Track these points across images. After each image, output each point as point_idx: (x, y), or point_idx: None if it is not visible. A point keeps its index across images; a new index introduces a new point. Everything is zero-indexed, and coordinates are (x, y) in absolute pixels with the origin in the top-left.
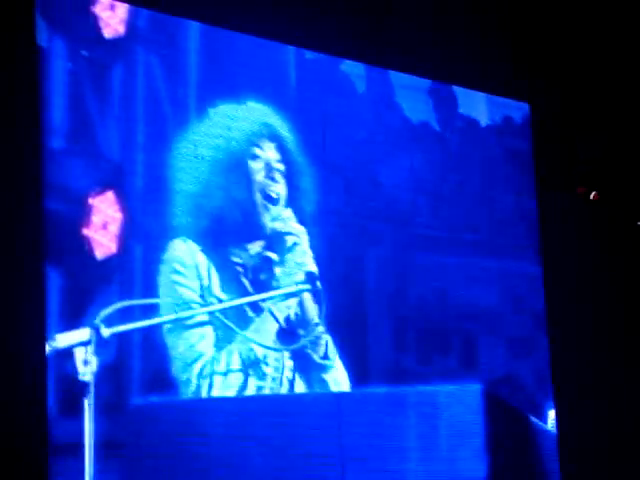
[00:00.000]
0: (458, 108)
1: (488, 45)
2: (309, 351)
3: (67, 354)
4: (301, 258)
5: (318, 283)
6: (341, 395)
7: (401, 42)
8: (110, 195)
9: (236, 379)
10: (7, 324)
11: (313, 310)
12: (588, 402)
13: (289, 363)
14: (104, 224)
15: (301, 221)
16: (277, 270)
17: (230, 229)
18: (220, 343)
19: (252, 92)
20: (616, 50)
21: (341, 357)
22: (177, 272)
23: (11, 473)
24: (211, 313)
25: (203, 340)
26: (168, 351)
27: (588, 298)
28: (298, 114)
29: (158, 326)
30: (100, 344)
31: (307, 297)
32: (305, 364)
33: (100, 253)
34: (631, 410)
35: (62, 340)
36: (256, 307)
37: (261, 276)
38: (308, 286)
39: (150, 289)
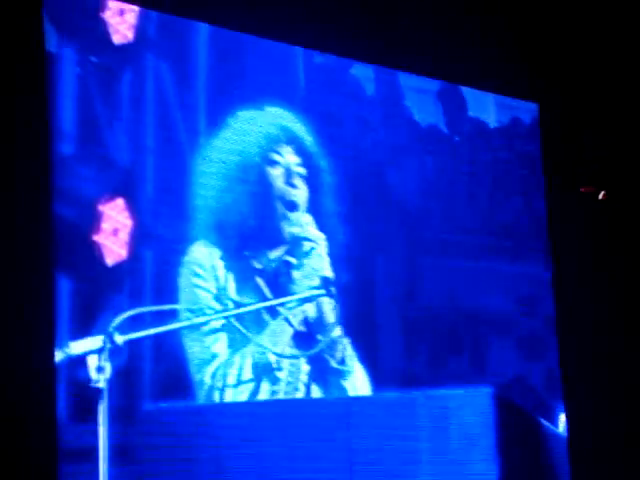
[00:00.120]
0: (467, 111)
1: (496, 44)
2: (326, 356)
3: (81, 361)
4: (317, 263)
5: (333, 288)
6: (351, 400)
7: (409, 42)
8: (120, 202)
9: (249, 383)
10: (17, 330)
11: (330, 315)
12: (599, 405)
13: (305, 368)
14: (114, 230)
15: (321, 225)
16: (295, 275)
17: (249, 234)
18: (234, 346)
19: (265, 96)
20: (625, 48)
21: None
22: (196, 275)
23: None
24: (226, 317)
25: (218, 342)
26: (181, 354)
27: (599, 300)
28: (307, 117)
29: (171, 330)
30: (114, 351)
31: (324, 301)
32: (322, 369)
33: (110, 259)
34: None
35: (76, 347)
36: (272, 311)
37: (279, 281)
38: (322, 291)
39: (161, 295)
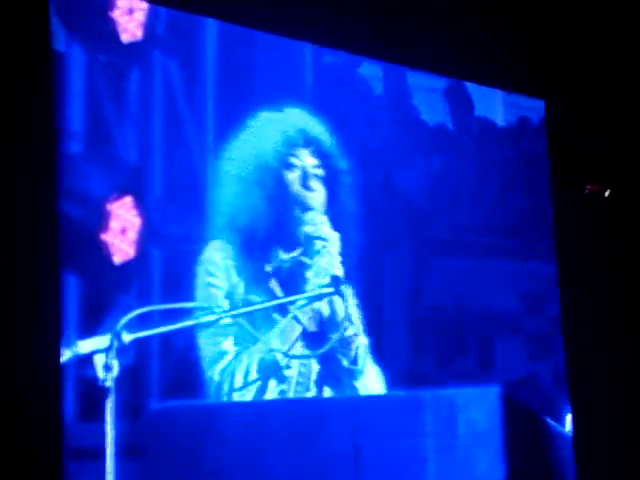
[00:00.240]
0: (475, 110)
1: (504, 42)
2: (338, 356)
3: (88, 360)
4: (328, 262)
5: (342, 287)
6: (357, 399)
7: (416, 39)
8: (128, 200)
9: (258, 382)
10: (24, 329)
11: (341, 313)
12: (604, 404)
13: (316, 368)
14: (122, 229)
15: (337, 225)
16: (308, 275)
17: (264, 236)
18: (243, 345)
19: (273, 94)
20: (632, 46)
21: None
22: (209, 273)
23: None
24: (235, 316)
25: (226, 341)
26: (190, 352)
27: (605, 298)
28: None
29: (180, 329)
30: (121, 350)
31: (336, 300)
32: (333, 369)
33: (118, 258)
34: None
35: (83, 346)
36: (282, 310)
37: (292, 281)
38: (331, 289)
39: (169, 294)
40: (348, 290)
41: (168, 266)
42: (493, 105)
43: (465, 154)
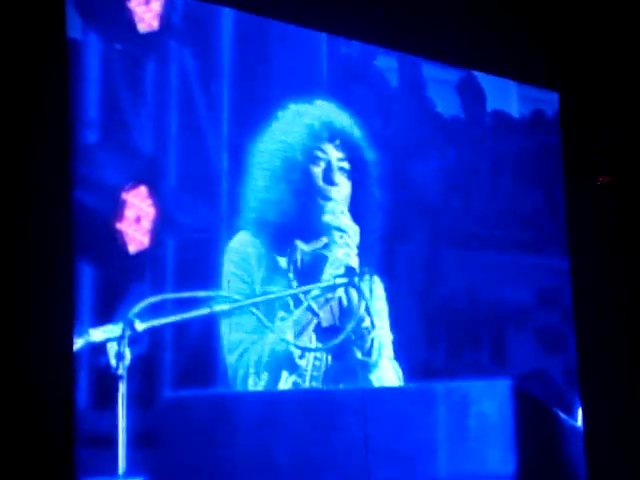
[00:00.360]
0: (489, 102)
1: (519, 33)
2: (354, 347)
3: (100, 348)
4: (345, 253)
5: (356, 279)
6: (368, 390)
7: (431, 30)
8: (143, 189)
9: (272, 373)
10: (38, 317)
11: (356, 305)
12: (616, 398)
13: (330, 360)
14: (137, 218)
15: (360, 217)
16: (326, 267)
17: (288, 228)
18: (257, 335)
19: (290, 85)
20: None
21: None
22: (233, 263)
23: (40, 465)
24: (248, 305)
25: (241, 331)
26: (204, 342)
27: (618, 292)
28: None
29: (194, 318)
30: (134, 338)
31: (352, 291)
32: (347, 361)
33: (133, 247)
34: None
35: (95, 335)
36: (296, 300)
37: (310, 272)
38: (345, 280)
39: (183, 283)
40: (366, 282)
41: (182, 255)
42: (508, 98)
43: (479, 146)
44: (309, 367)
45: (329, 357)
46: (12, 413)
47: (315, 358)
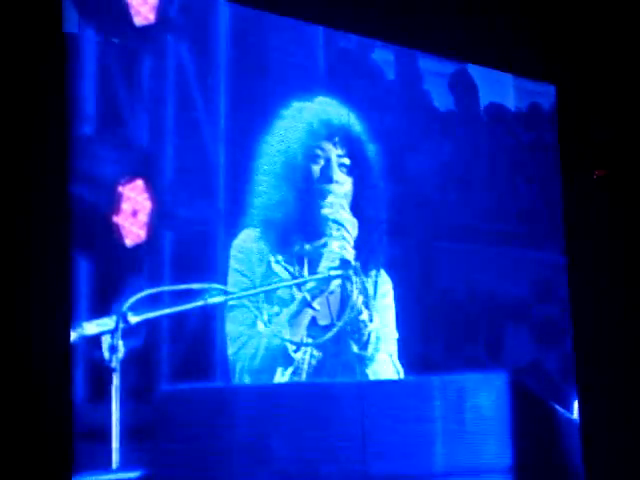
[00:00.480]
0: (486, 96)
1: (516, 27)
2: (350, 341)
3: (94, 341)
4: (340, 246)
5: (351, 272)
6: (366, 383)
7: (427, 23)
8: (140, 183)
9: (269, 366)
10: (35, 311)
11: (353, 298)
12: (612, 391)
13: (327, 353)
14: (134, 212)
15: (360, 212)
16: (322, 259)
17: (290, 226)
18: (254, 329)
19: (287, 78)
20: None
21: None
22: (236, 259)
23: (36, 459)
24: (241, 298)
25: (238, 324)
26: (201, 335)
27: (614, 285)
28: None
29: (190, 311)
30: (128, 331)
31: (347, 284)
32: (344, 355)
33: (129, 241)
34: None
35: (89, 328)
36: (292, 295)
37: (310, 269)
38: (339, 272)
39: (180, 276)
40: (372, 277)
41: (179, 249)
42: (504, 91)
43: (475, 139)
44: (305, 360)
45: (325, 350)
46: (8, 408)
47: (311, 351)
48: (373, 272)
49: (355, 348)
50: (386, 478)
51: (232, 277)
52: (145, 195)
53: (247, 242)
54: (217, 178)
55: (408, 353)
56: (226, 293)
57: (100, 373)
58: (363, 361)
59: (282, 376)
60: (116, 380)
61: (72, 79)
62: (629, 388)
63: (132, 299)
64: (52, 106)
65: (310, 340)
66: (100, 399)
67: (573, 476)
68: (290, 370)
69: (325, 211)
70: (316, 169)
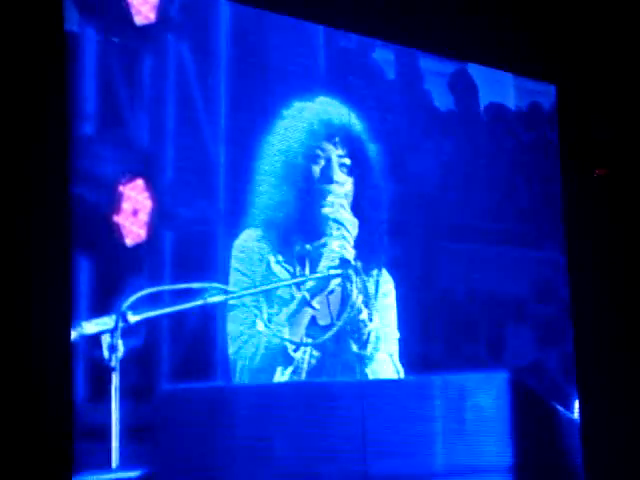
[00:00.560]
0: (486, 96)
1: (516, 25)
2: (350, 340)
3: (94, 341)
4: (340, 245)
5: (351, 271)
6: (366, 383)
7: (427, 22)
8: (140, 182)
9: (269, 365)
10: (35, 310)
11: (353, 297)
12: (613, 390)
13: (327, 353)
14: (134, 211)
15: (361, 211)
16: (322, 258)
17: (291, 227)
18: (254, 328)
19: (287, 78)
20: None
21: None
22: (237, 259)
23: (37, 458)
24: (240, 296)
25: (239, 323)
26: (202, 334)
27: (614, 285)
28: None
29: (191, 311)
30: (127, 330)
31: (347, 283)
32: (344, 355)
33: (130, 240)
34: None
35: (88, 327)
36: (292, 295)
37: (311, 269)
38: (339, 271)
39: (180, 275)
40: (373, 276)
41: (179, 248)
42: (504, 90)
43: (476, 139)
44: (305, 360)
45: (325, 350)
46: (8, 407)
47: (311, 351)
48: (375, 271)
49: (355, 347)
50: (386, 478)
51: (233, 277)
52: (145, 194)
53: (248, 242)
54: (217, 178)
55: (408, 352)
56: (225, 292)
57: (100, 372)
58: (362, 360)
59: (282, 375)
60: (116, 379)
61: (72, 78)
62: (629, 388)
63: (131, 298)
64: (52, 105)
65: (309, 340)
66: (100, 398)
67: (573, 476)
68: (290, 369)
69: (325, 210)
70: (316, 169)
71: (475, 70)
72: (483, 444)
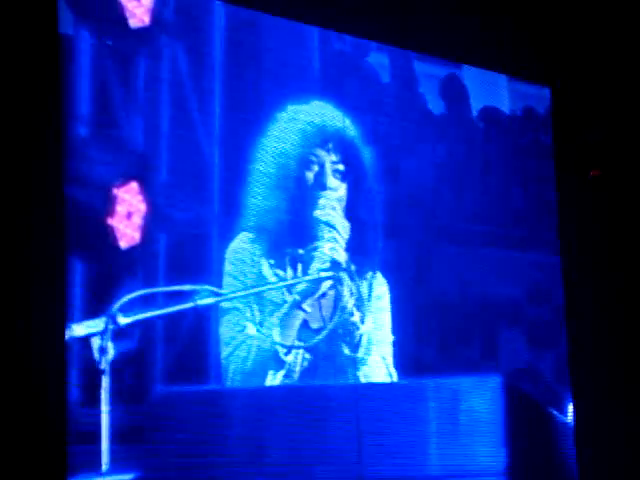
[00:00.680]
0: (480, 99)
1: (510, 28)
2: (341, 343)
3: (84, 343)
4: (332, 248)
5: (342, 273)
6: (360, 386)
7: (421, 25)
8: (134, 185)
9: (261, 369)
10: (29, 313)
11: (344, 299)
12: (607, 394)
13: (319, 355)
14: (128, 214)
15: (360, 215)
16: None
17: (283, 232)
18: (245, 331)
19: (283, 80)
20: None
21: None
22: (231, 263)
23: (31, 461)
24: (231, 299)
25: (231, 327)
26: (194, 337)
27: (609, 288)
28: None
29: (184, 313)
30: (119, 333)
31: (339, 286)
32: (336, 357)
33: (124, 243)
34: None
35: (78, 329)
36: (283, 295)
37: (303, 272)
38: (329, 273)
39: (174, 278)
40: (367, 279)
41: (173, 251)
42: (498, 94)
43: (470, 142)
44: (297, 363)
45: (317, 353)
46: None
47: (303, 354)
48: (369, 274)
49: (346, 350)
50: None
51: (226, 280)
52: (140, 197)
53: (241, 246)
54: (212, 181)
55: (402, 355)
56: (216, 295)
57: (91, 375)
58: (355, 363)
59: (273, 379)
60: (105, 382)
61: (67, 81)
62: (623, 391)
63: (121, 300)
64: (47, 108)
65: (301, 343)
66: (92, 401)
67: (567, 479)
68: (282, 373)
69: (316, 213)
70: (310, 175)
71: (469, 73)
72: (477, 447)
